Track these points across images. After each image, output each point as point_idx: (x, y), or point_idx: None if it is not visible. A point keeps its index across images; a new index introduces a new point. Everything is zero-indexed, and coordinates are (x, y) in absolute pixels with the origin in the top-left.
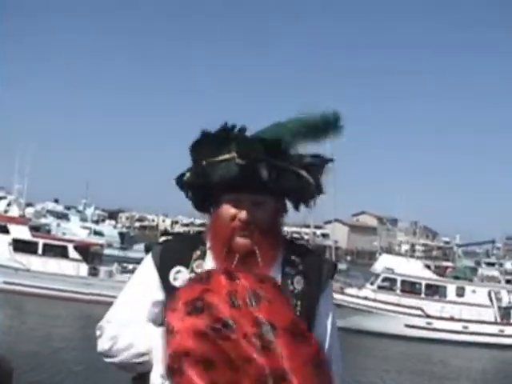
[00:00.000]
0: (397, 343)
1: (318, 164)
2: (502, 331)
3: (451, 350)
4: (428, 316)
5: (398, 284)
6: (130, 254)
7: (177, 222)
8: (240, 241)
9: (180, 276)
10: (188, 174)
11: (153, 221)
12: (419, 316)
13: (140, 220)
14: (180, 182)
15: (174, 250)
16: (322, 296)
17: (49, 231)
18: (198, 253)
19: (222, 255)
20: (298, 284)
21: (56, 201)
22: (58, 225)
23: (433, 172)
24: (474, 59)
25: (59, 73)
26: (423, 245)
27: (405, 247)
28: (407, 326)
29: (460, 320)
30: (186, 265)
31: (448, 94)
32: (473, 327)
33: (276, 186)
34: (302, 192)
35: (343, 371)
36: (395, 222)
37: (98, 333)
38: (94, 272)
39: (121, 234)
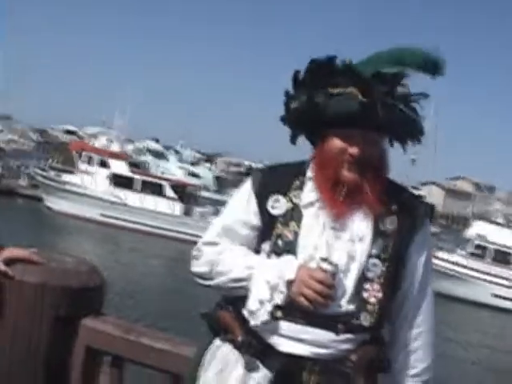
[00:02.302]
0: (482, 312)
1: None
2: None
3: None
4: None
5: (490, 252)
6: (225, 198)
7: None
8: (349, 175)
9: (278, 205)
10: (299, 101)
11: (249, 166)
12: (508, 287)
13: (237, 165)
14: (288, 108)
15: (273, 178)
16: (416, 237)
17: (147, 169)
18: (297, 183)
19: (327, 186)
20: (391, 224)
21: (156, 140)
22: (157, 163)
23: None
24: None
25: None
26: None
27: (500, 215)
28: (494, 295)
29: None
30: (284, 194)
31: None
32: None
33: (388, 125)
34: (408, 132)
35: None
36: (493, 189)
37: (194, 253)
38: (188, 212)
39: (217, 178)
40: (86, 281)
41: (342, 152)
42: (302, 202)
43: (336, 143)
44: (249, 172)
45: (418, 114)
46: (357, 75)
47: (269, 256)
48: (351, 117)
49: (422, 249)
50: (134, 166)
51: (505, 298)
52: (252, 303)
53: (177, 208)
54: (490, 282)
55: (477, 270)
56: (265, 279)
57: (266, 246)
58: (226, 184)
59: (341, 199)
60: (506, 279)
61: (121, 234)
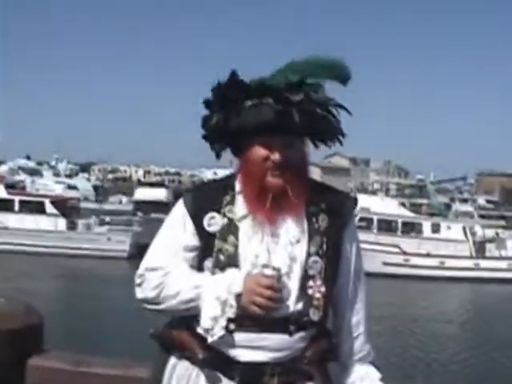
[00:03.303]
0: (375, 281)
1: (338, 107)
2: (477, 265)
3: (429, 286)
4: (405, 253)
5: (375, 223)
6: (106, 207)
7: (149, 172)
8: (273, 180)
9: (213, 222)
10: (215, 119)
11: (125, 172)
12: (396, 253)
13: (112, 172)
14: (206, 127)
15: (204, 197)
16: (347, 231)
17: (23, 188)
18: (228, 198)
19: (254, 196)
20: (322, 221)
21: (28, 157)
22: (33, 181)
23: (403, 112)
24: None
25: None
26: (396, 183)
27: (377, 186)
28: (385, 263)
29: (436, 256)
30: (218, 210)
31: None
32: (449, 262)
33: (306, 128)
34: (327, 134)
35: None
36: (368, 162)
37: (138, 281)
38: (72, 226)
39: (95, 187)
40: (24, 321)
41: (265, 159)
42: (236, 216)
43: (258, 151)
44: (179, 193)
45: (335, 116)
46: (269, 87)
47: (213, 272)
48: (269, 125)
49: (353, 240)
50: (10, 187)
51: (395, 265)
52: (205, 321)
53: (60, 223)
54: (380, 251)
55: (365, 242)
56: (214, 296)
57: (208, 263)
58: (105, 192)
59: (268, 206)
60: (394, 246)
61: (7, 258)
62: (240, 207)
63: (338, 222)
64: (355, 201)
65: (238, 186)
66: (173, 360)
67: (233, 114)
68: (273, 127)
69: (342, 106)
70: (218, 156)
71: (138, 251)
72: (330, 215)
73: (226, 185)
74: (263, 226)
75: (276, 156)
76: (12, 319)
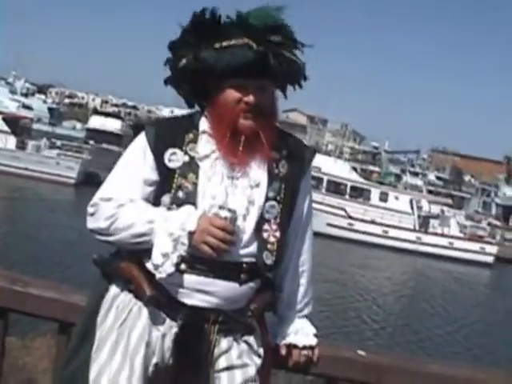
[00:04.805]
0: (317, 240)
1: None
2: (419, 239)
3: (370, 253)
4: (350, 217)
5: (324, 183)
6: (59, 131)
7: (107, 102)
8: (246, 123)
9: (175, 158)
10: (186, 60)
11: (82, 98)
12: (342, 216)
13: (70, 97)
14: (174, 68)
15: (167, 132)
16: (304, 179)
17: None
18: (191, 136)
19: (226, 137)
20: (282, 168)
21: None
22: None
23: (366, 78)
24: None
25: None
26: (351, 147)
27: (332, 147)
28: (329, 225)
29: (380, 224)
30: (180, 147)
31: None
32: (392, 232)
33: (279, 72)
34: (296, 77)
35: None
36: (325, 122)
37: (91, 210)
38: (22, 145)
39: (50, 110)
40: None
41: (238, 102)
42: (198, 154)
43: (231, 94)
44: (137, 126)
45: (302, 60)
46: (250, 26)
47: (169, 208)
48: (247, 66)
49: (308, 190)
50: None
51: (339, 228)
52: (156, 257)
53: (10, 142)
54: (325, 211)
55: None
56: (167, 232)
57: (165, 199)
58: (59, 116)
59: (240, 149)
60: (340, 209)
61: None
62: (203, 146)
63: (297, 169)
64: (314, 152)
65: (202, 126)
66: (114, 289)
67: (206, 54)
68: (250, 69)
69: (309, 46)
70: (188, 103)
71: (86, 179)
72: (290, 162)
73: (189, 123)
74: (227, 167)
75: (250, 98)
76: None
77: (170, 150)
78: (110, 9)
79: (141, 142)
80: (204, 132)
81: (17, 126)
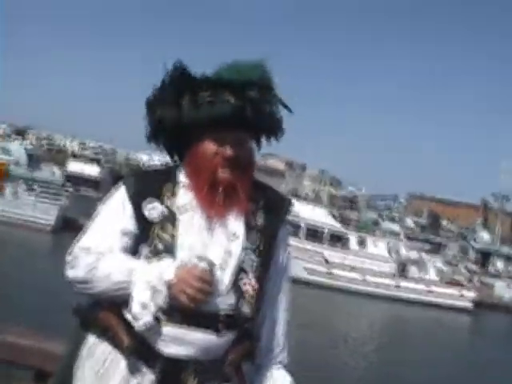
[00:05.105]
0: (295, 287)
1: (284, 106)
2: (398, 284)
3: (348, 299)
4: (328, 263)
5: (303, 229)
6: (37, 175)
7: (84, 144)
8: (223, 175)
9: (153, 209)
10: (164, 116)
11: (60, 141)
12: (320, 263)
13: (47, 139)
14: (153, 123)
15: (145, 183)
16: (281, 229)
17: None
18: (170, 187)
19: (204, 190)
20: (260, 218)
21: None
22: None
23: (345, 124)
24: None
25: None
26: (329, 193)
27: (310, 193)
28: (307, 270)
29: (359, 270)
30: (159, 198)
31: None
32: (371, 278)
33: (256, 124)
34: (274, 131)
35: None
36: (304, 167)
37: (69, 259)
38: None
39: (29, 154)
40: None
41: (215, 154)
42: (176, 206)
43: (209, 146)
44: (116, 177)
45: (280, 114)
46: (228, 81)
47: (148, 260)
48: (225, 119)
49: (286, 241)
50: None
51: (317, 274)
52: (134, 306)
53: None
54: (303, 259)
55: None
56: (145, 281)
57: (144, 250)
58: (37, 159)
59: (218, 201)
60: (318, 255)
61: None
62: (181, 198)
63: (274, 220)
64: (291, 202)
65: (180, 177)
66: (92, 339)
67: (185, 109)
68: (227, 122)
69: (286, 105)
70: (170, 155)
71: (64, 225)
72: (267, 213)
73: (167, 174)
74: (205, 219)
75: (228, 151)
76: None
77: (149, 202)
78: (88, 47)
79: (120, 194)
80: (182, 184)
81: None
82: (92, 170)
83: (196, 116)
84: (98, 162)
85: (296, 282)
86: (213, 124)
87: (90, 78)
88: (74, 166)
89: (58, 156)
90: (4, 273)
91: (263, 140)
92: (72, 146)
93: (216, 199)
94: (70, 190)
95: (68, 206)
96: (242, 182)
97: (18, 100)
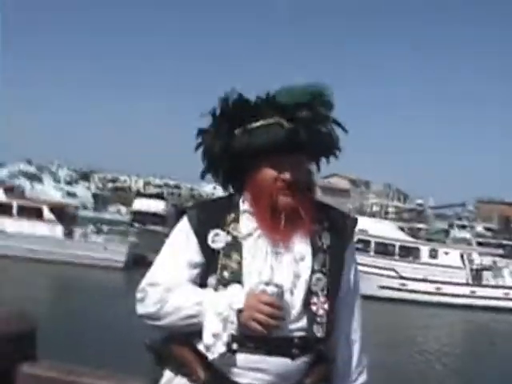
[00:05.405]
0: (370, 304)
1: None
2: (473, 292)
3: (424, 311)
4: (401, 277)
5: (372, 245)
6: (104, 216)
7: (149, 183)
8: (285, 200)
9: (218, 238)
10: (219, 146)
11: (125, 182)
12: (393, 277)
13: (112, 181)
14: (207, 154)
15: (208, 214)
16: (348, 249)
17: (22, 193)
18: (232, 216)
19: (267, 215)
20: (325, 239)
21: (28, 162)
22: (32, 186)
23: (407, 135)
24: None
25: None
26: (395, 207)
27: (376, 209)
28: (381, 287)
29: (433, 281)
30: (222, 228)
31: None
32: (445, 288)
33: (312, 146)
34: (329, 150)
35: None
36: (368, 184)
37: (139, 296)
38: (69, 233)
39: (94, 196)
40: (15, 327)
41: (275, 179)
42: (240, 233)
43: (267, 172)
44: (180, 210)
45: (335, 133)
46: (279, 105)
47: (216, 289)
48: (280, 144)
49: (353, 259)
50: (9, 190)
51: (391, 289)
52: (207, 337)
53: (57, 230)
54: (376, 274)
55: (362, 264)
56: (215, 312)
57: (211, 280)
58: (103, 201)
59: (282, 225)
60: (390, 270)
61: (2, 263)
62: (244, 225)
63: (340, 240)
64: (356, 221)
65: (242, 205)
66: (168, 374)
67: (239, 137)
68: (283, 146)
69: (340, 124)
70: (224, 186)
71: (134, 262)
72: (333, 233)
73: (229, 203)
74: (271, 243)
75: (287, 176)
76: (5, 325)
77: (213, 232)
78: (138, 95)
79: (184, 226)
80: (245, 211)
81: (63, 215)
82: (157, 206)
83: (250, 144)
84: (162, 197)
85: (370, 298)
86: (268, 150)
87: (150, 122)
88: (140, 204)
89: (124, 195)
90: (83, 314)
91: (321, 160)
92: (137, 185)
93: (279, 225)
94: (138, 226)
95: (137, 243)
96: (303, 205)
97: (79, 144)
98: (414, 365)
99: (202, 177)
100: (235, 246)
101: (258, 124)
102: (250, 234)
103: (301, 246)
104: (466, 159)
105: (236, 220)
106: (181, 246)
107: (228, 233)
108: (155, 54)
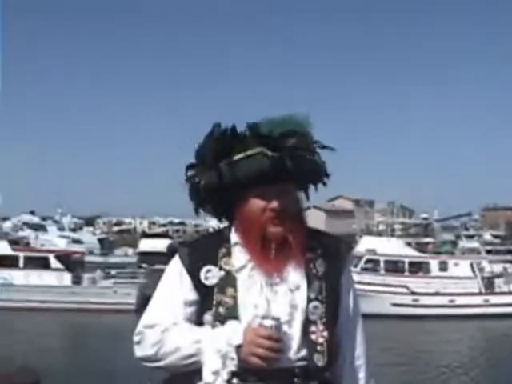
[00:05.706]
0: (383, 323)
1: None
2: (487, 301)
3: (438, 325)
4: (413, 293)
5: (382, 264)
6: (112, 260)
7: (154, 223)
8: (274, 230)
9: (210, 275)
10: (204, 178)
11: (130, 224)
12: (405, 294)
13: (117, 224)
14: (194, 189)
15: (199, 250)
16: (344, 275)
17: (28, 244)
18: (224, 250)
19: (257, 247)
20: (320, 266)
21: (32, 212)
22: (36, 237)
23: (404, 151)
24: None
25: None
26: (401, 223)
27: (382, 227)
28: (394, 304)
29: (445, 294)
30: (215, 263)
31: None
32: (459, 300)
33: (298, 173)
34: (316, 177)
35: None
36: (372, 203)
37: (136, 339)
38: (77, 280)
39: (100, 240)
40: (18, 381)
41: (263, 210)
42: (233, 267)
43: (255, 203)
44: (171, 249)
45: (321, 159)
46: (263, 135)
47: (213, 326)
48: (264, 174)
49: (350, 283)
50: (14, 243)
51: (404, 305)
52: (207, 375)
53: (65, 278)
54: (388, 292)
55: (373, 284)
56: (214, 349)
57: (208, 317)
58: (110, 245)
59: (273, 256)
60: (402, 287)
61: (12, 315)
62: (237, 259)
63: (334, 266)
64: (349, 244)
65: (233, 238)
66: None
67: (225, 170)
68: (269, 176)
69: (326, 147)
70: (219, 218)
71: (145, 303)
72: (327, 260)
73: (220, 237)
74: (265, 275)
75: (274, 205)
76: (6, 380)
77: (206, 268)
78: (141, 142)
79: (176, 265)
80: (236, 244)
81: (70, 262)
82: (163, 245)
83: (236, 175)
84: (167, 235)
85: (383, 317)
86: (254, 180)
87: (150, 163)
88: (146, 244)
89: (129, 237)
90: (94, 361)
91: (309, 187)
92: (142, 226)
93: (271, 255)
94: (145, 266)
95: (146, 283)
96: (294, 234)
97: (81, 191)
98: (431, 380)
99: (196, 212)
100: (229, 280)
101: (241, 155)
102: (243, 267)
103: (295, 276)
104: (467, 168)
105: (228, 254)
106: (175, 286)
107: (220, 268)
108: (152, 94)
